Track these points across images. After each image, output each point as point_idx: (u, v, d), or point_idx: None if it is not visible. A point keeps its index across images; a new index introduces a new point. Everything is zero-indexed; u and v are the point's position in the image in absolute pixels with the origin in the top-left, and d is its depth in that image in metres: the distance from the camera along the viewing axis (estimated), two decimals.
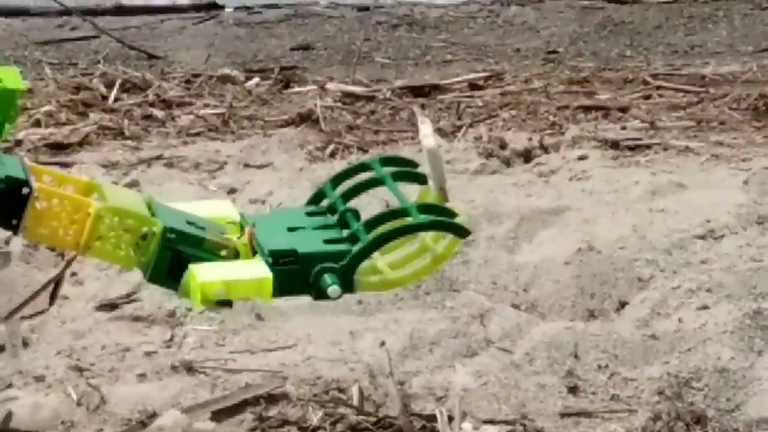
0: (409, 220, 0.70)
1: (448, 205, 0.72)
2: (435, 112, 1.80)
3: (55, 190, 0.69)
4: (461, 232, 0.70)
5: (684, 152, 1.56)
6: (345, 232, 0.72)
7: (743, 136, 1.63)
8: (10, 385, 1.01)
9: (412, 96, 1.85)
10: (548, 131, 1.71)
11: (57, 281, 1.07)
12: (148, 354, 1.07)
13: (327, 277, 0.67)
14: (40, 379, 1.03)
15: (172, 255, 0.70)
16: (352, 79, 1.93)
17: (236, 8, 2.55)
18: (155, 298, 1.12)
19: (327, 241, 0.72)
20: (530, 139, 1.64)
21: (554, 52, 2.28)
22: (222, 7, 2.56)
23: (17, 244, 1.22)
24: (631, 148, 1.59)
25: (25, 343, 1.08)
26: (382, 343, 1.07)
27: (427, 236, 0.73)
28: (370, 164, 0.83)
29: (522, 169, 1.56)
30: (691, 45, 2.26)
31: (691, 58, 2.15)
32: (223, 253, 0.72)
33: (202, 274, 0.65)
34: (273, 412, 0.96)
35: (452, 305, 1.15)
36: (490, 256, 1.27)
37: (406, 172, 0.79)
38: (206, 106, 1.82)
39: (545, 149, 1.62)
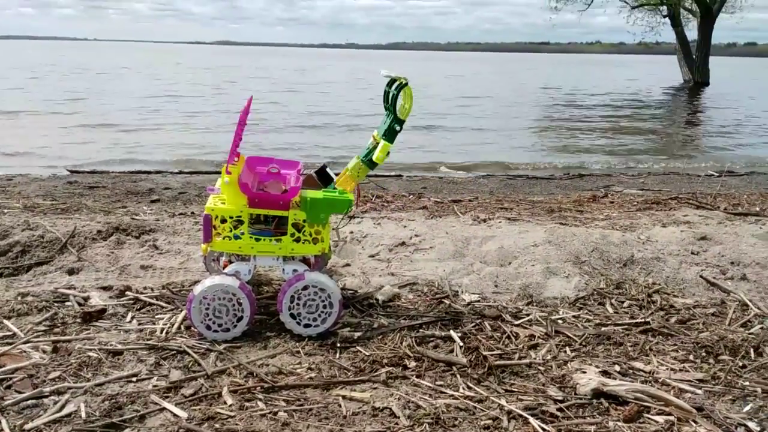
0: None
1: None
2: (460, 207, 4.61)
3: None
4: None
5: (528, 222, 4.45)
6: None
7: (544, 218, 4.55)
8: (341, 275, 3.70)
9: (453, 202, 4.77)
10: (490, 214, 4.47)
11: (351, 216, 3.65)
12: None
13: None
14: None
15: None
16: (437, 197, 4.88)
17: (407, 176, 5.66)
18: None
19: None
20: (485, 216, 4.51)
21: (492, 192, 5.58)
22: None
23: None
24: (514, 220, 4.43)
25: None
26: (444, 270, 3.78)
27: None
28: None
29: (483, 225, 4.27)
30: (530, 192, 5.40)
31: (530, 195, 5.21)
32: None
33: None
34: (415, 286, 3.65)
35: (463, 261, 3.87)
36: (471, 248, 4.04)
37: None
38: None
39: (490, 219, 4.46)
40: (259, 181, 2.86)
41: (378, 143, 2.70)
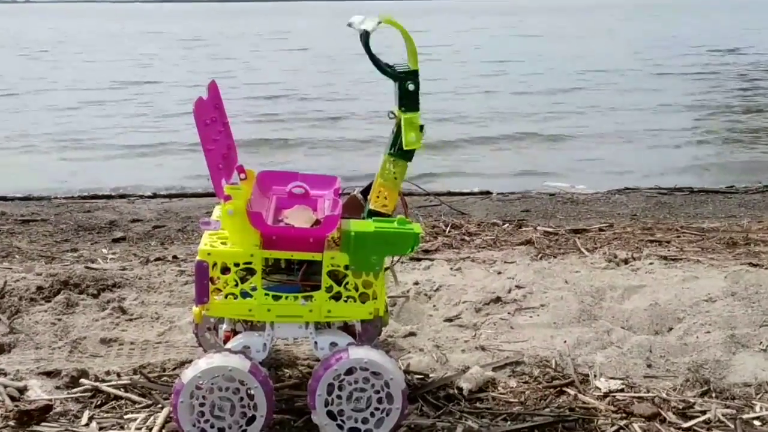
0: None
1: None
2: (585, 241, 4.63)
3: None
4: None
5: (696, 262, 4.34)
6: None
7: (722, 255, 4.44)
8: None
9: (574, 233, 4.79)
10: (635, 251, 4.45)
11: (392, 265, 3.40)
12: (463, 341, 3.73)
13: None
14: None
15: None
16: (548, 225, 4.91)
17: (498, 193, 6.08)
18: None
19: None
20: (627, 254, 4.46)
21: (635, 215, 5.85)
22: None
23: None
24: (672, 260, 4.36)
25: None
26: (565, 342, 3.72)
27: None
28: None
29: (624, 268, 4.21)
30: (697, 213, 5.35)
31: (697, 219, 5.16)
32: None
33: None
34: (519, 368, 3.60)
35: (594, 326, 3.79)
36: (607, 306, 3.94)
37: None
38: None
39: (634, 259, 4.41)
40: (277, 208, 2.91)
41: (400, 121, 2.72)
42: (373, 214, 2.78)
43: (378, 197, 2.79)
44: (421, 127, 2.72)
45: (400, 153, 2.75)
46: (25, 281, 3.99)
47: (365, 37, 2.69)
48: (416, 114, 2.70)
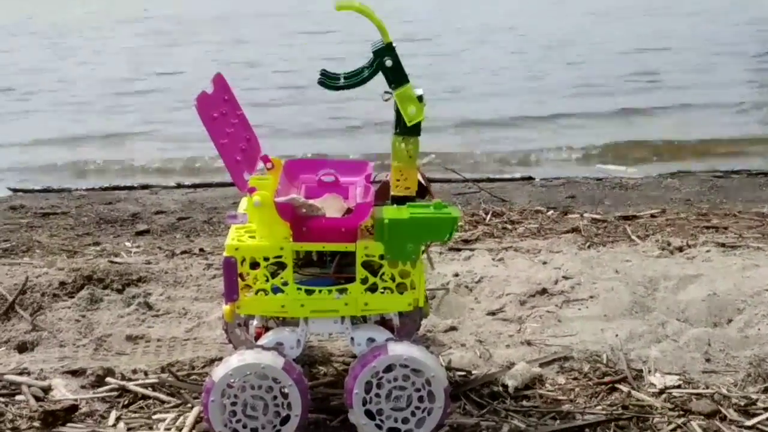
0: None
1: None
2: (636, 228, 4.62)
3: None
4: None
5: (756, 249, 4.28)
6: None
7: None
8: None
9: (623, 220, 4.81)
10: (690, 238, 4.42)
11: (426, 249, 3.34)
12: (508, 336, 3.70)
13: None
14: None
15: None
16: (595, 211, 4.92)
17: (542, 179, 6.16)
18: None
19: None
20: (682, 242, 4.41)
21: (689, 200, 5.87)
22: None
23: None
24: (731, 247, 4.30)
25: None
26: (617, 335, 3.69)
27: None
28: None
29: (679, 256, 4.17)
30: (756, 197, 5.38)
31: (756, 204, 5.16)
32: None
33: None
34: (567, 363, 3.58)
35: (647, 318, 3.77)
36: (661, 297, 3.90)
37: None
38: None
39: (689, 246, 4.36)
40: (307, 197, 2.91)
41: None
42: (396, 200, 2.77)
43: (398, 182, 2.78)
44: (420, 97, 2.72)
45: (407, 130, 2.75)
46: (47, 276, 4.04)
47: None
48: (407, 86, 2.71)
